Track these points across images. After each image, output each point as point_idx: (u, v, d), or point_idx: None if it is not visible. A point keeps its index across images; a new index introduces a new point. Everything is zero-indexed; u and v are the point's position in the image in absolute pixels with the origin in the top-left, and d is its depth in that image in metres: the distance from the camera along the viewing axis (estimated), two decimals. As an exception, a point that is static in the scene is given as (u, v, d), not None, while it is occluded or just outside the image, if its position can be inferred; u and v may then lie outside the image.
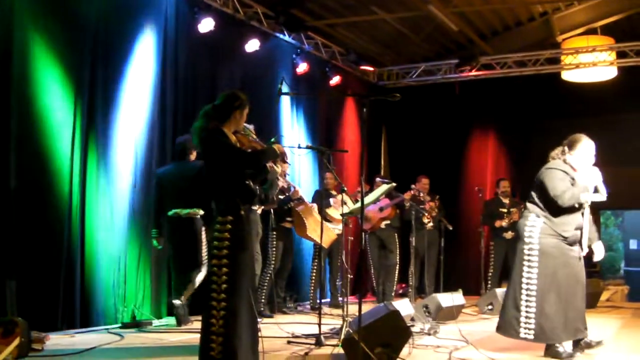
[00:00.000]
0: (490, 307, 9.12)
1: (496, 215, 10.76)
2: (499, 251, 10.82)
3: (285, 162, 5.23)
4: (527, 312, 5.95)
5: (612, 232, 20.26)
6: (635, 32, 11.67)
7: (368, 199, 7.33)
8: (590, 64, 11.72)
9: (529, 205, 6.03)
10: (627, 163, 12.64)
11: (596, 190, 5.91)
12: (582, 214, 5.97)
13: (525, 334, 5.96)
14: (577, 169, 5.97)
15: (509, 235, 10.61)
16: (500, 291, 9.27)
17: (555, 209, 5.86)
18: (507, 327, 6.07)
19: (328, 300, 10.01)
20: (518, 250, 6.04)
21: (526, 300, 5.95)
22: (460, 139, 13.35)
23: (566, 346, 5.97)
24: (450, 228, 10.51)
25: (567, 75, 12.28)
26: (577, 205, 5.83)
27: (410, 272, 9.98)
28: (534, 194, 6.02)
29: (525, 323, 5.96)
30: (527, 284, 5.94)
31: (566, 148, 6.02)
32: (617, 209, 18.85)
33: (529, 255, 5.94)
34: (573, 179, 5.88)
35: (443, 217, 10.73)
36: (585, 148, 6.00)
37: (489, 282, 10.84)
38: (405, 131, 13.43)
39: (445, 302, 8.21)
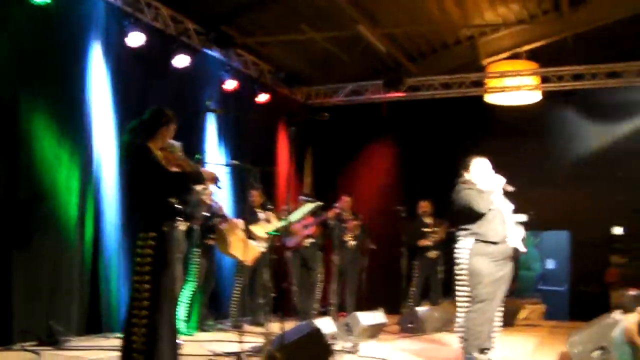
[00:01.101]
0: (411, 325, 9.25)
1: (419, 235, 10.92)
2: (422, 270, 10.97)
3: (217, 185, 5.25)
4: (461, 327, 6.17)
5: (530, 251, 20.71)
6: (559, 57, 12.07)
7: (294, 217, 7.38)
8: (515, 87, 12.03)
9: (457, 232, 6.23)
10: (547, 185, 13.07)
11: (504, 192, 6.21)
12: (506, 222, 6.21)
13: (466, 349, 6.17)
14: (479, 186, 6.26)
15: (433, 254, 10.80)
16: (421, 310, 9.43)
17: (479, 220, 6.07)
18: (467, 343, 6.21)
19: (249, 318, 9.98)
20: (455, 272, 6.27)
21: (460, 318, 6.20)
22: (385, 159, 13.52)
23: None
24: (373, 247, 10.63)
25: (492, 99, 12.59)
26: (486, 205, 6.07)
27: (332, 290, 10.06)
28: (457, 221, 6.22)
29: (463, 341, 6.17)
30: (463, 301, 6.17)
31: (462, 171, 6.34)
32: (535, 230, 19.32)
33: (460, 274, 6.21)
34: (479, 190, 6.14)
35: (366, 236, 10.81)
36: (477, 166, 6.35)
37: (411, 299, 10.97)
38: (331, 151, 13.53)
39: (366, 321, 8.26)
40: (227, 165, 7.03)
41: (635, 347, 5.24)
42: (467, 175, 6.31)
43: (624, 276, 10.95)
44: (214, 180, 5.00)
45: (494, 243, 6.07)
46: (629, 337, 5.21)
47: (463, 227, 6.13)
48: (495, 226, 6.10)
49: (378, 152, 13.57)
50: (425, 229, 11.00)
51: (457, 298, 6.20)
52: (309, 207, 7.62)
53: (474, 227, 6.09)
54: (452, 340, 8.38)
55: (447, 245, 10.17)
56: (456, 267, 6.13)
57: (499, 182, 6.31)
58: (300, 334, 5.67)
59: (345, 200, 10.92)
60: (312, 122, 11.69)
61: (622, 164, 11.97)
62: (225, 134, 10.75)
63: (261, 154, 11.39)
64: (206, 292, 9.08)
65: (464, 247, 6.08)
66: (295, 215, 7.44)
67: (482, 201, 6.05)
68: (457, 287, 6.16)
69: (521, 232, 6.42)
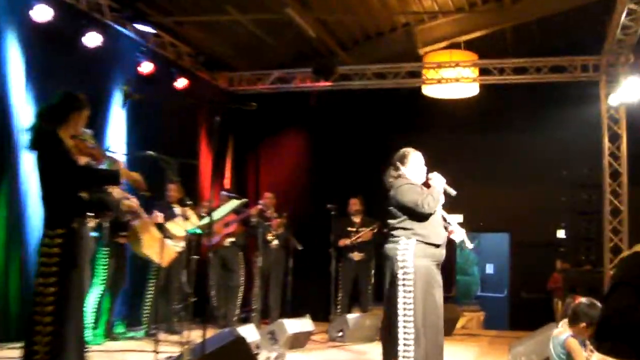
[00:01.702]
0: (340, 333, 9.33)
1: (344, 235, 11.03)
2: (347, 274, 11.07)
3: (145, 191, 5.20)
4: (405, 339, 6.13)
5: (467, 255, 21.06)
6: (499, 49, 12.28)
7: (217, 215, 7.34)
8: (453, 79, 12.19)
9: (394, 232, 6.19)
10: (485, 184, 13.32)
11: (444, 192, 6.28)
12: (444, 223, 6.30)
13: None
14: (415, 182, 6.33)
15: (357, 256, 10.90)
16: (351, 317, 9.51)
17: (422, 221, 6.14)
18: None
19: (164, 325, 9.89)
20: (391, 276, 6.14)
21: (404, 327, 6.13)
22: (314, 153, 13.57)
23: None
24: (299, 247, 10.66)
25: (428, 91, 12.75)
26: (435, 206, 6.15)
27: (255, 294, 10.07)
28: (394, 221, 6.21)
29: (405, 352, 6.11)
30: (405, 309, 6.11)
31: (398, 164, 6.34)
32: (473, 232, 19.68)
33: (404, 279, 6.09)
34: (422, 187, 6.24)
35: (291, 236, 10.83)
36: (416, 160, 6.39)
37: (339, 306, 11.06)
38: (255, 143, 13.51)
39: (292, 328, 8.31)
40: (141, 156, 6.90)
41: (568, 357, 5.36)
42: (403, 170, 6.33)
43: (567, 282, 11.19)
44: (142, 188, 4.94)
45: (437, 246, 6.17)
46: (569, 349, 5.33)
47: (404, 227, 6.15)
48: (437, 228, 6.19)
49: (306, 145, 13.61)
50: (350, 228, 11.11)
51: (400, 303, 6.13)
52: (233, 203, 7.60)
53: (417, 228, 6.13)
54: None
55: (379, 247, 10.32)
56: (399, 271, 6.09)
57: (440, 180, 6.38)
58: (221, 343, 5.64)
59: (268, 197, 10.94)
60: (235, 112, 11.63)
61: (567, 162, 12.24)
62: (139, 122, 10.57)
63: (179, 145, 11.25)
64: (115, 296, 8.95)
65: (407, 248, 6.11)
66: (219, 213, 7.41)
67: (432, 200, 6.10)
68: (401, 292, 6.12)
69: (463, 232, 6.53)
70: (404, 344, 6.10)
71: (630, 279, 2.92)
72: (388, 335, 6.19)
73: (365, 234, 10.99)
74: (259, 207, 10.40)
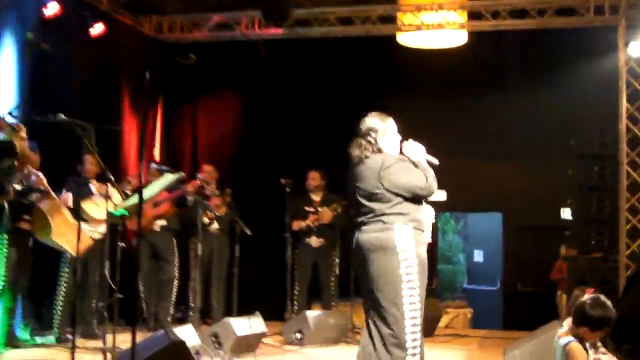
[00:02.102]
0: (298, 335, 9.39)
1: (300, 216, 11.07)
2: (304, 263, 11.15)
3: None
4: (414, 347, 6.12)
5: (451, 240, 21.24)
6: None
7: (148, 192, 7.29)
8: (435, 25, 12.11)
9: (384, 218, 6.20)
10: (474, 154, 13.39)
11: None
12: None
13: None
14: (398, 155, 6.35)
15: (315, 242, 10.95)
16: (312, 315, 9.54)
17: (418, 204, 6.18)
18: None
19: (81, 328, 9.84)
20: (387, 269, 6.08)
21: (411, 333, 6.16)
22: (264, 115, 13.51)
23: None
24: (248, 232, 10.62)
25: (405, 39, 12.71)
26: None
27: (192, 289, 10.04)
28: (383, 205, 6.19)
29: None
30: (412, 310, 6.14)
31: (373, 134, 6.33)
32: (458, 212, 19.85)
33: (407, 272, 6.11)
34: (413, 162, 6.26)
35: (236, 218, 10.77)
36: (393, 128, 6.40)
37: (296, 302, 11.09)
38: (191, 104, 13.42)
39: (240, 330, 8.33)
40: (51, 121, 6.84)
41: None
42: (381, 141, 6.34)
43: (574, 272, 11.29)
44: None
45: (423, 231, 6.27)
46: (570, 357, 5.38)
47: (399, 211, 6.16)
48: (423, 211, 6.28)
49: (254, 107, 13.55)
50: (308, 208, 11.13)
51: (407, 304, 6.15)
52: (167, 179, 7.54)
53: (413, 212, 6.19)
54: (352, 354, 8.54)
55: (345, 231, 10.35)
56: (401, 264, 6.11)
57: (421, 151, 6.41)
58: (155, 349, 5.64)
59: (208, 171, 10.92)
60: (167, 66, 11.55)
61: (575, 128, 12.30)
62: (46, 79, 10.45)
63: (96, 107, 11.14)
64: (17, 294, 8.91)
65: (406, 236, 6.14)
66: (149, 190, 7.36)
67: (434, 180, 6.16)
68: (405, 290, 6.14)
69: (432, 214, 6.61)
70: (411, 354, 6.13)
71: None
72: (374, 347, 6.08)
73: (326, 214, 11.02)
74: (197, 182, 10.37)
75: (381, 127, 6.32)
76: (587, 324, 5.36)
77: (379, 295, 6.06)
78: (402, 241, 6.05)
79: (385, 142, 6.31)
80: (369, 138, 6.27)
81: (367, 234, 6.14)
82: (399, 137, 6.42)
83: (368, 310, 6.23)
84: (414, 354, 6.07)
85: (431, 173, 6.19)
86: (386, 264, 6.03)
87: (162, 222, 10.26)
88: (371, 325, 6.15)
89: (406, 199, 6.12)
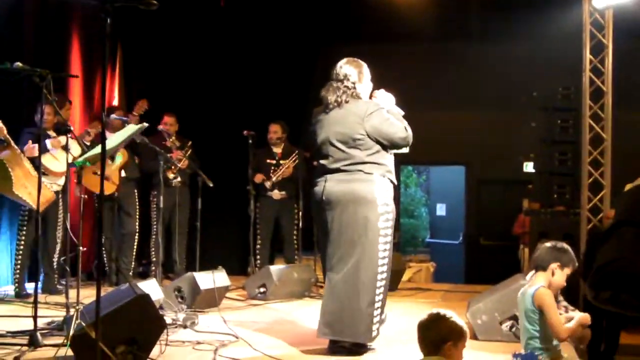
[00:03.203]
0: (262, 289, 9.46)
1: (262, 169, 11.15)
2: (266, 216, 11.22)
3: None
4: (379, 301, 6.23)
5: (413, 193, 21.35)
6: None
7: (110, 143, 7.26)
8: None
9: (364, 167, 6.20)
10: (436, 105, 13.46)
11: None
12: None
13: (374, 331, 6.25)
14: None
15: (277, 195, 11.00)
16: (275, 269, 9.61)
17: (389, 156, 6.30)
18: (360, 330, 6.19)
19: (41, 283, 9.83)
20: (366, 221, 6.15)
21: (380, 287, 6.21)
22: (224, 65, 13.46)
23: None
24: (210, 185, 10.59)
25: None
26: None
27: (154, 242, 10.08)
28: (361, 153, 6.22)
29: (377, 317, 6.23)
30: (384, 264, 6.22)
31: (351, 80, 6.37)
32: (420, 165, 19.98)
33: (385, 226, 6.18)
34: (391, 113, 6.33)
35: (198, 170, 10.70)
36: (368, 75, 6.52)
37: (259, 257, 11.16)
38: (149, 53, 13.32)
39: (203, 284, 8.38)
40: (7, 68, 6.76)
41: (542, 316, 5.42)
42: (359, 87, 6.39)
43: (536, 226, 11.40)
44: None
45: (395, 184, 6.36)
46: (539, 303, 5.43)
47: (377, 161, 6.21)
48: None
49: (215, 56, 13.48)
50: (270, 160, 11.20)
51: (381, 257, 6.20)
52: (130, 129, 7.53)
53: (388, 164, 6.27)
54: (316, 309, 8.63)
55: (306, 182, 10.40)
56: (380, 217, 6.16)
57: (390, 101, 6.50)
58: (119, 302, 5.66)
59: (169, 122, 10.90)
60: (124, 13, 11.43)
61: (537, 80, 12.37)
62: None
63: (52, 54, 11.03)
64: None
65: (386, 189, 6.20)
66: (112, 141, 7.34)
67: (409, 130, 6.24)
68: (381, 244, 6.19)
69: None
70: (375, 314, 6.22)
71: (635, 217, 2.96)
72: (341, 303, 6.18)
73: (287, 168, 11.08)
74: (161, 134, 10.37)
75: (358, 73, 6.39)
76: (556, 261, 5.42)
77: (351, 249, 6.12)
78: (382, 194, 6.14)
79: (362, 88, 6.37)
80: (346, 83, 6.34)
81: (343, 184, 6.19)
82: (372, 85, 6.49)
83: (331, 263, 6.26)
84: (379, 307, 6.19)
85: (405, 124, 6.25)
86: (365, 216, 6.10)
87: (122, 175, 10.24)
88: (334, 279, 6.21)
89: (383, 147, 6.18)
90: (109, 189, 9.63)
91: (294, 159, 11.12)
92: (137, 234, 10.47)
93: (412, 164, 18.68)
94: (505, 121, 13.08)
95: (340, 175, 6.21)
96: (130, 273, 10.23)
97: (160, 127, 10.64)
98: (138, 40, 13.08)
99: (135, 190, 10.58)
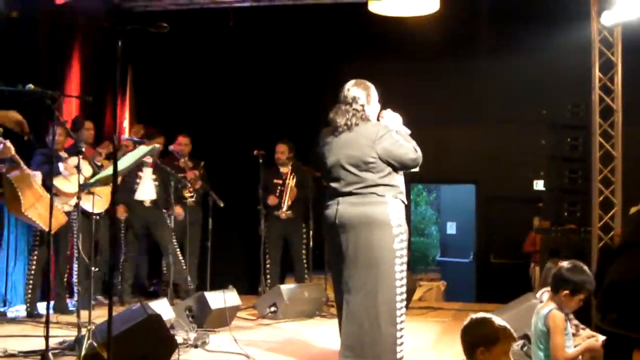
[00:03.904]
0: (273, 309, 9.46)
1: (269, 189, 11.19)
2: (274, 236, 11.26)
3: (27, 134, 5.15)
4: (401, 322, 6.22)
5: (423, 212, 21.33)
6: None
7: (122, 164, 7.28)
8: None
9: (377, 190, 6.20)
10: (445, 124, 13.46)
11: None
12: None
13: (400, 352, 6.21)
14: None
15: (283, 214, 11.02)
16: (286, 288, 9.63)
17: (400, 177, 6.33)
18: (383, 351, 6.15)
19: (53, 303, 9.87)
20: (380, 244, 6.16)
21: (400, 308, 6.22)
22: (234, 85, 13.51)
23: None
24: (221, 205, 10.64)
25: (376, 7, 12.63)
26: None
27: (166, 262, 10.12)
28: (373, 175, 6.25)
29: (401, 338, 6.21)
30: (402, 285, 6.23)
31: (360, 102, 6.38)
32: (430, 183, 19.98)
33: (400, 247, 6.19)
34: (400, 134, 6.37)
35: (210, 190, 10.75)
36: (376, 96, 6.52)
37: (269, 276, 11.18)
38: (160, 74, 13.38)
39: (214, 303, 8.41)
40: (19, 90, 6.81)
41: (548, 337, 5.43)
42: (368, 109, 6.41)
43: (547, 244, 11.38)
44: (19, 125, 4.87)
45: (406, 204, 6.41)
46: (548, 324, 5.42)
47: (390, 183, 6.24)
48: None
49: (225, 77, 13.54)
50: (277, 180, 11.25)
51: (398, 279, 6.21)
52: (142, 150, 7.56)
53: (400, 185, 6.31)
54: (327, 328, 8.66)
55: (316, 201, 10.44)
56: (395, 239, 6.17)
57: (398, 122, 6.54)
58: (131, 322, 5.71)
59: (184, 142, 10.95)
60: (136, 35, 11.49)
61: (547, 97, 12.37)
62: (9, 48, 10.35)
63: (57, 77, 11.09)
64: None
65: (399, 210, 6.24)
66: (124, 161, 7.36)
67: (419, 150, 6.28)
68: (397, 266, 6.20)
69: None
70: (400, 329, 6.24)
71: None
72: (361, 325, 6.16)
73: (291, 189, 11.13)
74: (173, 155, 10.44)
75: (366, 95, 6.40)
76: (567, 287, 5.41)
77: (367, 271, 6.12)
78: (395, 216, 6.15)
79: (370, 110, 6.39)
80: (355, 106, 6.34)
81: (357, 207, 6.20)
82: (379, 106, 6.53)
83: (347, 286, 6.25)
84: (402, 329, 6.20)
85: (414, 144, 6.29)
86: (380, 239, 6.11)
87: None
88: (353, 302, 6.19)
89: (394, 169, 6.21)
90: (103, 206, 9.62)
91: (293, 179, 11.19)
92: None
93: (423, 182, 18.69)
94: (515, 138, 13.07)
95: (353, 198, 6.22)
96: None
97: (172, 147, 10.69)
98: (148, 62, 13.16)
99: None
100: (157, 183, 10.68)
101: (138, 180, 10.53)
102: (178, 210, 10.30)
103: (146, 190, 10.60)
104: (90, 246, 8.40)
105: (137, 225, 10.64)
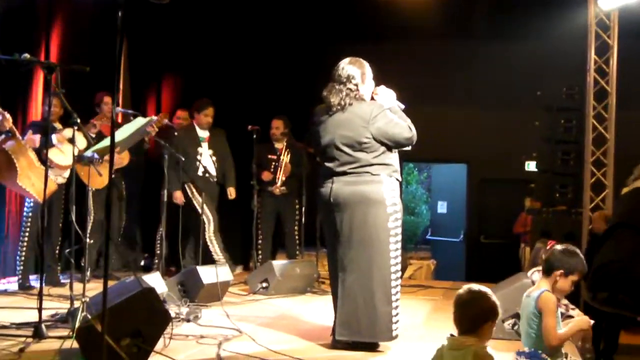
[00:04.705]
0: (264, 284, 9.46)
1: (263, 164, 11.20)
2: (267, 211, 11.30)
3: None
4: (396, 300, 6.28)
5: (414, 191, 21.43)
6: None
7: (119, 136, 7.27)
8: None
9: (369, 169, 6.24)
10: (439, 103, 13.48)
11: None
12: None
13: (395, 330, 6.29)
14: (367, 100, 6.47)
15: (277, 190, 11.02)
16: (278, 264, 9.65)
17: (395, 155, 6.36)
18: (379, 329, 6.22)
19: (46, 275, 9.84)
20: (375, 223, 6.19)
21: (395, 287, 6.26)
22: (231, 60, 13.49)
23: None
24: (214, 179, 10.66)
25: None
26: None
27: (159, 236, 10.14)
28: (367, 155, 6.24)
29: (396, 316, 6.28)
30: (397, 264, 6.27)
31: (354, 82, 6.37)
32: (421, 162, 20.02)
33: (395, 226, 6.22)
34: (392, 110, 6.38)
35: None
36: (370, 74, 6.51)
37: (260, 252, 11.20)
38: (157, 48, 13.34)
39: (206, 278, 8.41)
40: (15, 59, 6.78)
41: (540, 319, 5.43)
42: (362, 88, 6.40)
43: (538, 225, 11.43)
44: None
45: (400, 182, 6.42)
46: (541, 306, 5.43)
47: (384, 162, 6.24)
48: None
49: (218, 50, 13.50)
50: (271, 156, 11.28)
51: (392, 258, 6.22)
52: (139, 122, 7.55)
53: (394, 164, 6.32)
54: (319, 304, 8.70)
55: (309, 178, 10.45)
56: (390, 217, 6.18)
57: (391, 97, 6.54)
58: (125, 295, 5.69)
59: (182, 116, 10.99)
60: (132, 6, 11.44)
61: (542, 79, 12.40)
62: (5, 18, 10.33)
63: (60, 46, 11.06)
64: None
65: (393, 189, 6.25)
66: (121, 133, 7.35)
67: (413, 129, 6.28)
68: (392, 244, 6.22)
69: None
70: (396, 307, 6.27)
71: (633, 220, 2.99)
72: (356, 304, 6.21)
73: (286, 167, 11.14)
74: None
75: (361, 74, 6.38)
76: (561, 267, 5.44)
77: (362, 250, 6.15)
78: (390, 194, 6.16)
79: (364, 89, 6.39)
80: (349, 85, 6.33)
81: (351, 187, 6.21)
82: (374, 84, 6.52)
83: (342, 264, 6.28)
84: (397, 307, 6.24)
85: (409, 122, 6.29)
86: (375, 217, 6.13)
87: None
88: (348, 280, 6.23)
89: (388, 148, 6.22)
90: (101, 183, 9.61)
91: (287, 154, 11.20)
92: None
93: (414, 161, 18.78)
94: (508, 120, 13.12)
95: (348, 178, 6.24)
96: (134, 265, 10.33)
97: (166, 121, 10.66)
98: (143, 36, 13.10)
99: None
100: (214, 158, 10.68)
101: (199, 157, 10.47)
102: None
103: (209, 165, 10.58)
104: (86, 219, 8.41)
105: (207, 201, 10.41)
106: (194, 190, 10.39)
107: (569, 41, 11.68)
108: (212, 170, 10.57)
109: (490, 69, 13.31)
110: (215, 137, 10.78)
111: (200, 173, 10.44)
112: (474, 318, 4.31)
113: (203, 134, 10.65)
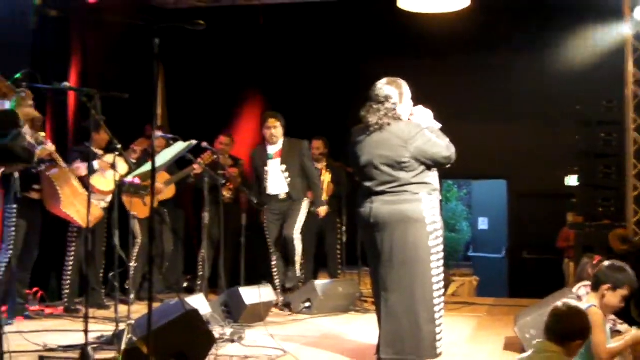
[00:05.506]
0: (307, 304, 9.48)
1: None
2: (310, 231, 11.10)
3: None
4: (440, 317, 6.26)
5: (454, 208, 21.35)
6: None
7: (159, 161, 7.32)
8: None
9: (408, 188, 6.22)
10: (477, 119, 13.41)
11: None
12: None
13: (439, 348, 6.26)
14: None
15: (323, 211, 10.92)
16: (320, 284, 9.66)
17: (434, 174, 6.36)
18: (423, 348, 6.18)
19: (91, 298, 9.92)
20: (416, 242, 6.17)
21: (438, 304, 6.25)
22: (264, 83, 13.54)
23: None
24: (255, 202, 10.60)
25: (405, 4, 12.59)
26: None
27: (202, 258, 10.18)
28: (406, 174, 6.23)
29: (440, 333, 6.26)
30: (439, 282, 6.26)
31: (392, 101, 6.35)
32: (461, 179, 19.95)
33: (436, 244, 6.21)
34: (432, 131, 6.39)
35: (245, 187, 10.68)
36: (408, 94, 6.49)
37: (302, 272, 11.19)
38: (190, 72, 13.41)
39: (249, 299, 8.46)
40: (55, 88, 6.86)
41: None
42: (400, 108, 6.40)
43: (581, 240, 11.31)
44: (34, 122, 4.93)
45: (441, 200, 6.43)
46: (591, 322, 5.39)
47: (424, 181, 6.24)
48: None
49: (256, 74, 13.57)
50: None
51: (435, 275, 6.22)
52: (179, 147, 7.59)
53: (434, 182, 6.32)
54: (362, 323, 8.70)
55: (350, 196, 10.46)
56: (430, 236, 6.17)
57: (428, 117, 6.54)
58: (170, 317, 5.75)
59: (225, 142, 11.01)
60: (168, 32, 11.54)
61: (581, 93, 12.30)
62: (46, 46, 10.44)
63: (99, 75, 11.18)
64: (27, 265, 8.99)
65: (434, 207, 6.24)
66: (162, 158, 7.39)
67: (452, 148, 6.29)
68: (434, 263, 6.21)
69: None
70: (439, 324, 6.27)
71: None
72: (400, 323, 6.19)
73: (330, 185, 11.16)
74: (207, 156, 10.42)
75: (399, 94, 6.37)
76: (609, 282, 5.43)
77: (404, 269, 6.15)
78: (430, 212, 6.15)
79: (402, 109, 6.39)
80: (387, 105, 6.31)
81: (391, 206, 6.21)
82: (412, 103, 6.53)
83: (385, 284, 6.28)
84: (441, 324, 6.23)
85: (448, 141, 6.30)
86: (415, 236, 6.13)
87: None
88: (391, 300, 6.23)
89: (427, 167, 6.23)
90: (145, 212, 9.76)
91: (329, 174, 11.23)
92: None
93: (454, 178, 18.68)
94: (548, 134, 13.01)
95: (387, 197, 6.23)
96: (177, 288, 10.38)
97: (205, 144, 10.68)
98: (178, 60, 13.20)
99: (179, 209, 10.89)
100: (287, 174, 10.32)
101: (265, 176, 10.33)
102: None
103: (277, 183, 10.37)
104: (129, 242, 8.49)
105: (273, 218, 10.38)
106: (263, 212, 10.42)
107: (607, 53, 11.61)
108: (283, 188, 10.33)
109: (528, 84, 13.19)
110: (286, 150, 10.36)
111: (269, 192, 10.32)
112: (565, 333, 4.34)
113: (272, 149, 10.36)
